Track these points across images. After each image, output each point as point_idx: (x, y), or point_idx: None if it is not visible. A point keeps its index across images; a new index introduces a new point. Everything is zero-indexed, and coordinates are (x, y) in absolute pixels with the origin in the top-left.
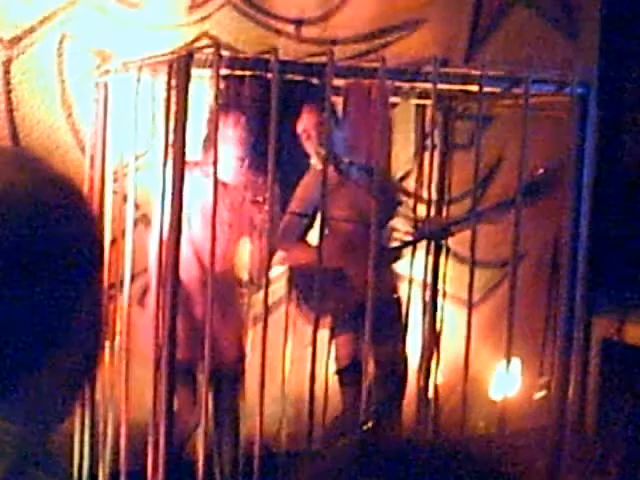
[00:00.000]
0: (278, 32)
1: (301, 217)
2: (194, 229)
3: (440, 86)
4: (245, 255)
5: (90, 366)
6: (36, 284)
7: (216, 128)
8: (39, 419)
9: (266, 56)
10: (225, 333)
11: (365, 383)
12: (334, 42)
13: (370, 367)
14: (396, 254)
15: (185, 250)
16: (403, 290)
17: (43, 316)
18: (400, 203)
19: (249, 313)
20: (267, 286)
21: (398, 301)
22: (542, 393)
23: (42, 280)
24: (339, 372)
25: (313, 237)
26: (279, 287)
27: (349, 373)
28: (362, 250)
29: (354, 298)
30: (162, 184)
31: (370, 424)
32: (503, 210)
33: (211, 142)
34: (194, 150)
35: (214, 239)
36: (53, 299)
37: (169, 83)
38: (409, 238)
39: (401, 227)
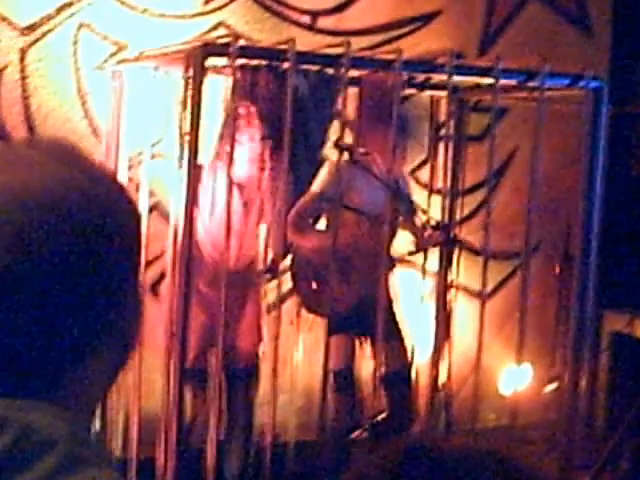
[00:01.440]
0: (294, 23)
1: (316, 205)
2: (210, 221)
3: (455, 78)
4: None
5: (127, 355)
6: (86, 276)
7: (234, 118)
8: (84, 410)
9: (282, 47)
10: (242, 327)
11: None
12: (350, 33)
13: (367, 372)
14: (395, 262)
15: (202, 241)
16: (409, 285)
17: (93, 307)
18: (414, 211)
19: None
20: (278, 277)
21: (390, 304)
22: (553, 386)
23: (92, 272)
24: (333, 378)
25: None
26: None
27: (342, 378)
28: (366, 250)
29: (353, 298)
30: (177, 173)
31: (382, 416)
32: None
33: (228, 132)
34: (208, 140)
35: (229, 231)
36: (103, 290)
37: (185, 73)
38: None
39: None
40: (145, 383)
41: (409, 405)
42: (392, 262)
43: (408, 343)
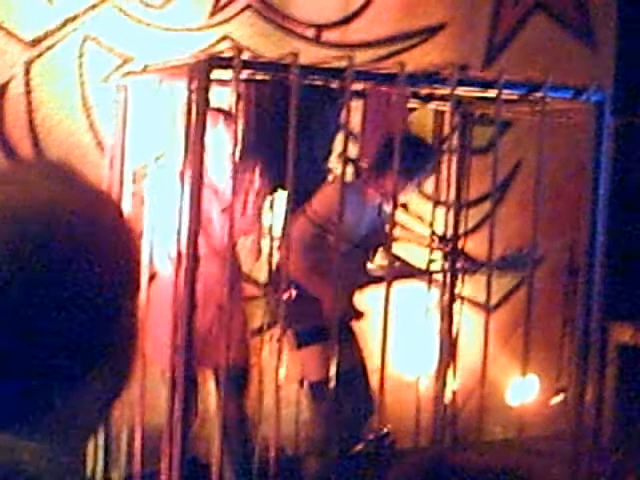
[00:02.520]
0: (298, 36)
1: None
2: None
3: (458, 91)
4: (263, 257)
5: (124, 380)
6: (78, 298)
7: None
8: (75, 440)
9: (286, 60)
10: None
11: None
12: (354, 46)
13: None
14: (369, 281)
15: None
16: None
17: (84, 329)
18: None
19: (266, 317)
20: (281, 289)
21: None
22: (559, 398)
23: (83, 294)
24: (311, 386)
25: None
26: None
27: (322, 387)
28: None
29: (321, 314)
30: (181, 187)
31: (385, 430)
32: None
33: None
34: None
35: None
36: (94, 312)
37: (189, 87)
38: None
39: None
40: (149, 397)
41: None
42: (367, 283)
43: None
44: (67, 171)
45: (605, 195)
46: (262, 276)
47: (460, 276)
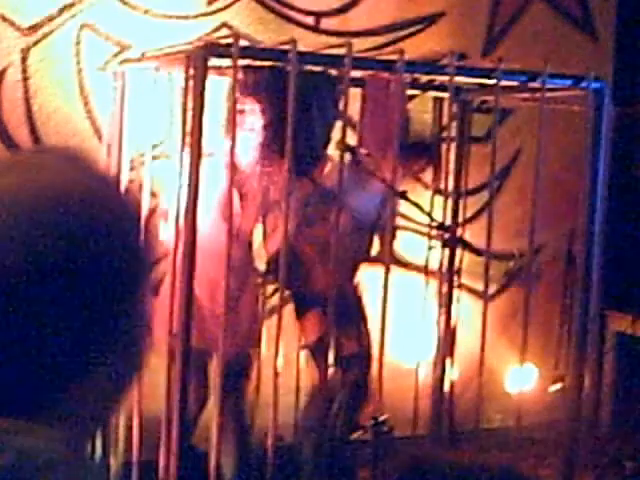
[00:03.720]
0: (297, 23)
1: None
2: (207, 215)
3: (457, 79)
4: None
5: (137, 369)
6: (86, 287)
7: (234, 117)
8: (84, 429)
9: (284, 47)
10: (236, 321)
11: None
12: (353, 34)
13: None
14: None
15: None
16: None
17: (95, 316)
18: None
19: (265, 303)
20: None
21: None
22: (557, 386)
23: (96, 281)
24: (309, 347)
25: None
26: None
27: (320, 347)
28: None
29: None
30: (179, 173)
31: (382, 417)
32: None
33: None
34: (210, 139)
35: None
36: (107, 300)
37: (187, 74)
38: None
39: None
40: (146, 385)
41: (365, 385)
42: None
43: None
44: (78, 157)
45: (604, 183)
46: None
47: (458, 264)
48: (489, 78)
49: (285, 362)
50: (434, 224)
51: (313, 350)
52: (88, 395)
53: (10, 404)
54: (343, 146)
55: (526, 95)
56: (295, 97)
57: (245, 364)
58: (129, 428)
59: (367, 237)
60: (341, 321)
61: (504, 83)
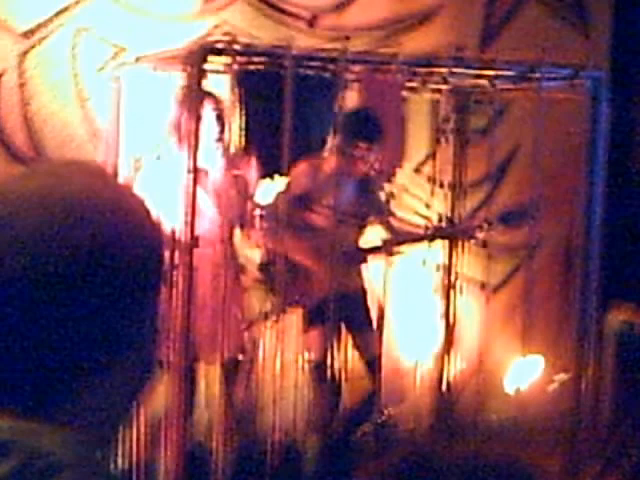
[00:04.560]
0: (294, 22)
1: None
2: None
3: (454, 77)
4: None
5: (149, 372)
6: (106, 291)
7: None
8: (95, 431)
9: (280, 49)
10: (224, 326)
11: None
12: (349, 32)
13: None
14: (365, 255)
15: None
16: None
17: (108, 318)
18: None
19: (262, 307)
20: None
21: (364, 296)
22: (560, 378)
23: (111, 284)
24: (315, 365)
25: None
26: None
27: (322, 368)
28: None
29: (320, 292)
30: (176, 176)
31: (383, 417)
32: (512, 218)
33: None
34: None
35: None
36: (122, 302)
37: (184, 76)
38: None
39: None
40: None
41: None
42: (363, 256)
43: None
44: (96, 168)
45: (602, 174)
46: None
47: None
48: (487, 70)
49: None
50: (430, 220)
51: (316, 368)
52: (101, 398)
53: (24, 405)
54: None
55: (524, 86)
56: (291, 97)
57: (235, 369)
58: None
59: (354, 229)
60: (351, 325)
61: (500, 80)
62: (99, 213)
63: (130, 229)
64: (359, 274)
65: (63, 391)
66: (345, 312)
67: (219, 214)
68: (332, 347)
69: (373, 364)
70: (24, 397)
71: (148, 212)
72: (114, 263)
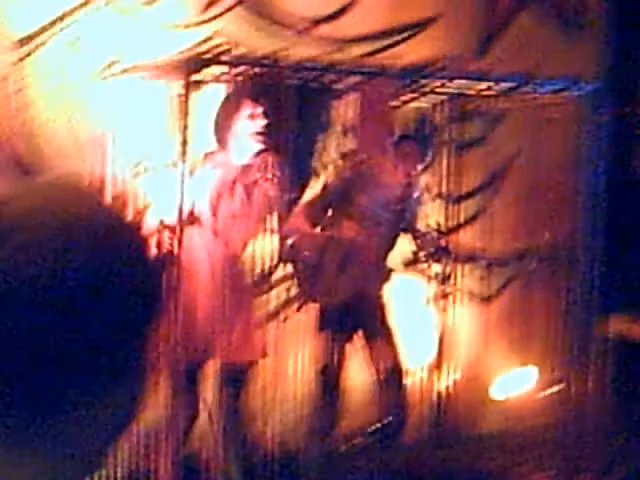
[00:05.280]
0: (291, 31)
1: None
2: (204, 222)
3: (451, 84)
4: (258, 251)
5: (146, 382)
6: (101, 319)
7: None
8: (103, 436)
9: (276, 57)
10: (234, 330)
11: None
12: (347, 40)
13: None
14: (391, 271)
15: (196, 244)
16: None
17: (107, 342)
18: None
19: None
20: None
21: (382, 307)
22: (555, 389)
23: (108, 307)
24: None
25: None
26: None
27: (323, 376)
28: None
29: (348, 291)
30: (174, 184)
31: (379, 425)
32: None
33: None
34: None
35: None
36: (120, 324)
37: (179, 84)
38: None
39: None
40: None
41: (401, 408)
42: (388, 271)
43: (399, 347)
44: (82, 185)
45: (599, 185)
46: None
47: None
48: (483, 82)
49: (287, 370)
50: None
51: (321, 373)
52: (107, 404)
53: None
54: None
55: (523, 98)
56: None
57: (242, 374)
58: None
59: (387, 238)
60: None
61: (500, 87)
62: (87, 237)
63: (119, 251)
64: (380, 282)
65: (70, 398)
66: (361, 319)
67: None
68: (341, 353)
69: (388, 375)
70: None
71: (135, 231)
72: (106, 288)
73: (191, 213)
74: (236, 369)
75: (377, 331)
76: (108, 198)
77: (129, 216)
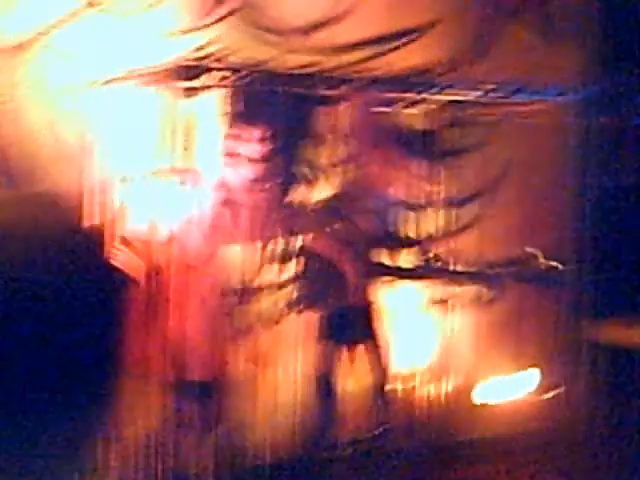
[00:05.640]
0: (284, 39)
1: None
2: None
3: (443, 94)
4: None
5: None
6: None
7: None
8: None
9: (262, 67)
10: (202, 345)
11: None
12: (340, 49)
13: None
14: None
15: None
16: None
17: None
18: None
19: (244, 322)
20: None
21: (372, 311)
22: (551, 394)
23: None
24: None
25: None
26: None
27: (318, 385)
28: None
29: (342, 301)
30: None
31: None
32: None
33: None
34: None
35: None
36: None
37: (166, 93)
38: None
39: None
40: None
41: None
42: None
43: (388, 355)
44: (56, 202)
45: (591, 192)
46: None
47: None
48: (474, 91)
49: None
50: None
51: (320, 379)
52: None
53: None
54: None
55: (514, 108)
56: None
57: (216, 387)
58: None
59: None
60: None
61: (490, 96)
62: (56, 253)
63: (84, 268)
64: (371, 289)
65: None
66: (355, 327)
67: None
68: (339, 361)
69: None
70: None
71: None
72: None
73: (160, 226)
74: (199, 383)
75: (370, 339)
76: (88, 211)
77: (99, 237)
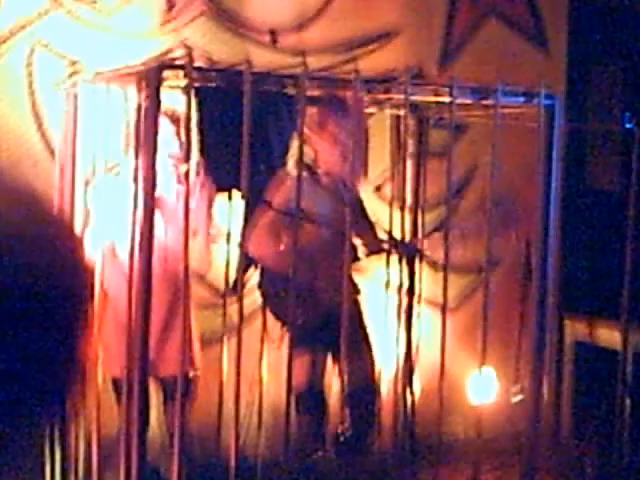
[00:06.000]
0: (254, 42)
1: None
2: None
3: (413, 96)
4: (220, 261)
5: (64, 405)
6: (27, 332)
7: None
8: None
9: (239, 67)
10: (169, 343)
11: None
12: (310, 52)
13: (336, 386)
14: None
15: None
16: (375, 297)
17: (35, 362)
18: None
19: (225, 322)
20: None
21: (360, 314)
22: (518, 398)
23: (33, 327)
24: (296, 399)
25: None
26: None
27: (306, 400)
28: (328, 260)
29: (320, 309)
30: (133, 195)
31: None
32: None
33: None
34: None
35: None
36: (46, 344)
37: (141, 93)
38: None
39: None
40: (104, 409)
41: (372, 421)
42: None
43: (375, 358)
44: (28, 197)
45: (557, 194)
46: (219, 280)
47: (418, 278)
48: (444, 94)
49: (248, 381)
50: (392, 240)
51: (300, 401)
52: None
53: None
54: (301, 164)
55: (480, 112)
56: (252, 116)
57: (185, 385)
58: (88, 454)
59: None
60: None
61: (460, 99)
62: (25, 252)
63: (55, 267)
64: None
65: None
66: (335, 334)
67: (173, 231)
68: (322, 374)
69: (355, 395)
70: None
71: (76, 246)
72: (39, 301)
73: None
74: (174, 382)
75: (351, 342)
76: (79, 203)
77: (70, 234)
